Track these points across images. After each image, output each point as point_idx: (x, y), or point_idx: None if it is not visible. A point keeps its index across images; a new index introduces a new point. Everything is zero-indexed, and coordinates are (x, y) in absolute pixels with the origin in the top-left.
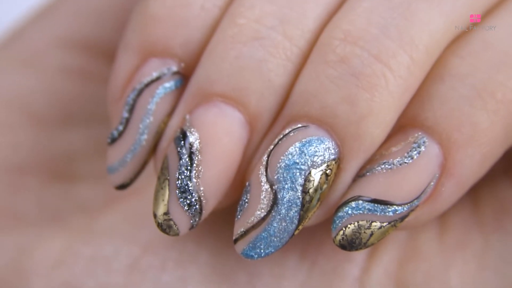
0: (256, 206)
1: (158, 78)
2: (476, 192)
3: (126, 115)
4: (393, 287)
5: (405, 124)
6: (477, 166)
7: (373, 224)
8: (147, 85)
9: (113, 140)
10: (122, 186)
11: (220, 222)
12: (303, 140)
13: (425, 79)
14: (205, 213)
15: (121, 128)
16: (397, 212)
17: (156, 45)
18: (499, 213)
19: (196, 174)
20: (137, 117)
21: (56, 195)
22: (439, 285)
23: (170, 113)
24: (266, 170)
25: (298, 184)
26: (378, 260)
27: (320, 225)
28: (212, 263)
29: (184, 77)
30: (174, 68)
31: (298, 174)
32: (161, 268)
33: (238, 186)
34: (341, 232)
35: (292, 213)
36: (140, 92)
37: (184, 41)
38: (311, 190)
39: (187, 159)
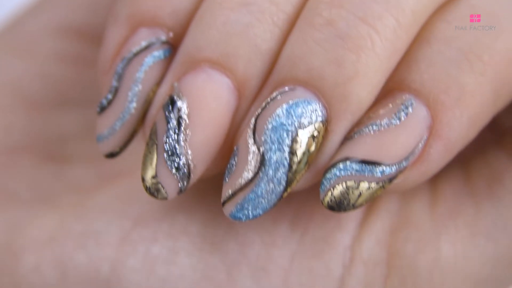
0: (244, 168)
1: (147, 47)
2: (467, 161)
3: (115, 83)
4: (384, 255)
5: (393, 88)
6: (465, 128)
7: (361, 184)
8: (136, 54)
9: (102, 109)
10: (111, 155)
11: (210, 193)
12: (290, 102)
13: (412, 43)
14: (194, 177)
15: (110, 96)
16: (385, 173)
17: (145, 15)
18: (491, 181)
19: (184, 137)
20: (125, 86)
21: (48, 176)
22: (431, 253)
23: (159, 82)
24: (253, 133)
25: (285, 145)
26: (370, 228)
27: (310, 193)
28: (202, 234)
29: (173, 46)
30: (163, 38)
31: (285, 135)
32: (152, 240)
33: (227, 153)
34: (329, 193)
35: (279, 174)
36: (129, 61)
37: (173, 10)
38: (298, 152)
39: (175, 123)
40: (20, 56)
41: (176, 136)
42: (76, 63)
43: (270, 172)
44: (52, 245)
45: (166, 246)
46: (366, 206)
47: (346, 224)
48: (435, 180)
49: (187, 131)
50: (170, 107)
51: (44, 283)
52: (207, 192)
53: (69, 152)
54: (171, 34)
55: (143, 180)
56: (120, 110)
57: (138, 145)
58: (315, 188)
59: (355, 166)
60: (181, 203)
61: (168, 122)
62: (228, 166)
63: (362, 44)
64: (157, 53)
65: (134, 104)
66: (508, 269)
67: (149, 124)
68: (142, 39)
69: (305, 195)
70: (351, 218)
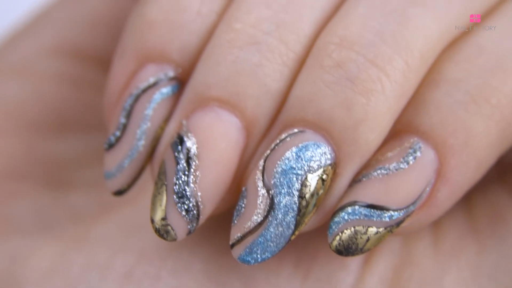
0: (253, 211)
1: (155, 84)
2: (470, 198)
3: (123, 120)
4: None
5: (401, 130)
6: (472, 171)
7: (370, 229)
8: (144, 90)
9: (110, 146)
10: (119, 192)
11: (215, 230)
12: (300, 145)
13: (420, 84)
14: (203, 218)
15: (118, 133)
16: (393, 218)
17: (152, 50)
18: (493, 219)
19: (194, 179)
20: (134, 123)
21: (49, 203)
22: None
23: (167, 119)
24: (262, 175)
25: (294, 189)
26: (373, 267)
27: (314, 233)
28: (207, 272)
29: (181, 82)
30: (171, 74)
31: (294, 179)
32: (156, 278)
33: (235, 191)
34: (338, 238)
35: (288, 218)
36: (137, 97)
37: (181, 46)
38: (307, 195)
39: (184, 164)
40: (19, 78)
41: (186, 177)
42: (75, 85)
43: (280, 216)
44: (54, 277)
45: (170, 284)
46: None
47: (350, 264)
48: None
49: (197, 172)
50: (179, 147)
51: None
52: (211, 229)
53: (69, 178)
54: (179, 70)
55: (152, 221)
56: (128, 147)
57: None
58: (319, 228)
59: (364, 210)
60: (185, 239)
61: (177, 163)
62: (237, 207)
63: (372, 87)
64: (165, 90)
65: (142, 142)
66: None
67: (158, 162)
68: (150, 75)
69: (309, 235)
70: (355, 258)
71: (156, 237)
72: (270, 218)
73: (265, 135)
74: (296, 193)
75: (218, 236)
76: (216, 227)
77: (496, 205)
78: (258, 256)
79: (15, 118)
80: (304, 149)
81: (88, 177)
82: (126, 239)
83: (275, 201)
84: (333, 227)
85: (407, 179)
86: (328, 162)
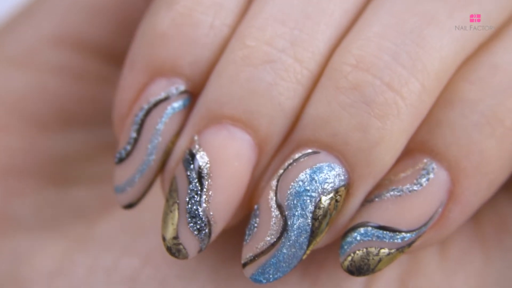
0: (266, 232)
1: (166, 98)
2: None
3: (134, 135)
4: None
5: (414, 149)
6: (484, 191)
7: (382, 250)
8: (155, 104)
9: (121, 160)
10: (129, 206)
11: (223, 238)
12: (314, 166)
13: (434, 103)
14: (214, 236)
15: (129, 148)
16: (405, 239)
17: (164, 64)
18: (500, 229)
19: (206, 198)
20: (145, 138)
21: (52, 200)
22: None
23: (178, 132)
24: (275, 195)
25: (308, 211)
26: (380, 277)
27: None
28: (214, 280)
29: (192, 95)
30: (182, 88)
31: (308, 201)
32: (162, 283)
33: (245, 206)
34: (349, 258)
35: (301, 240)
36: (148, 111)
37: (193, 61)
38: (320, 217)
39: (197, 184)
40: (19, 70)
41: (198, 198)
42: (77, 78)
43: (293, 237)
44: (59, 278)
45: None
46: None
47: None
48: None
49: (210, 192)
50: (191, 165)
51: None
52: (220, 237)
53: (72, 174)
54: (190, 83)
55: (164, 239)
56: (139, 162)
57: None
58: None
59: (376, 232)
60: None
61: (190, 182)
62: (249, 226)
63: (388, 111)
64: (177, 104)
65: (153, 157)
66: None
67: (168, 178)
68: (161, 90)
69: None
70: None
71: (161, 242)
72: (283, 240)
73: (277, 152)
74: (309, 215)
75: (226, 245)
76: (224, 236)
77: (503, 215)
78: (270, 276)
79: (17, 113)
80: (318, 171)
81: (91, 172)
82: (131, 240)
83: (289, 222)
84: (345, 247)
85: (420, 201)
86: (342, 183)
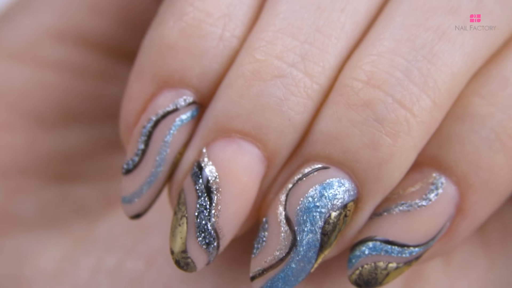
0: (275, 247)
1: (174, 110)
2: None
3: (141, 146)
4: None
5: (423, 163)
6: (491, 205)
7: (390, 265)
8: (164, 116)
9: (128, 171)
10: (136, 216)
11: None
12: (324, 182)
13: (445, 117)
14: (222, 248)
15: (136, 159)
16: (413, 254)
17: (172, 75)
18: (504, 236)
19: (215, 213)
20: (153, 149)
21: (54, 198)
22: None
23: (186, 143)
24: (285, 209)
25: (317, 226)
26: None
27: None
28: (217, 284)
29: (200, 106)
30: (191, 99)
31: (318, 217)
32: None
33: (252, 217)
34: (357, 272)
35: (310, 254)
36: (156, 123)
37: (202, 72)
38: (329, 232)
39: (206, 198)
40: (19, 63)
41: (207, 213)
42: (78, 74)
43: (302, 252)
44: (62, 279)
45: None
46: None
47: None
48: None
49: (219, 207)
50: (200, 180)
51: None
52: None
53: (73, 171)
54: (198, 94)
55: (172, 252)
56: (147, 174)
57: None
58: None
59: (385, 247)
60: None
61: (198, 197)
62: (257, 239)
63: (399, 128)
64: (185, 116)
65: (161, 168)
66: None
67: (176, 190)
68: (169, 101)
69: None
70: None
71: (163, 240)
72: (292, 255)
73: (285, 164)
74: (319, 231)
75: (230, 250)
76: (230, 242)
77: (507, 221)
78: None
79: (18, 110)
80: (328, 187)
81: (93, 169)
82: (135, 242)
83: (298, 238)
84: (353, 260)
85: (428, 216)
86: (351, 198)
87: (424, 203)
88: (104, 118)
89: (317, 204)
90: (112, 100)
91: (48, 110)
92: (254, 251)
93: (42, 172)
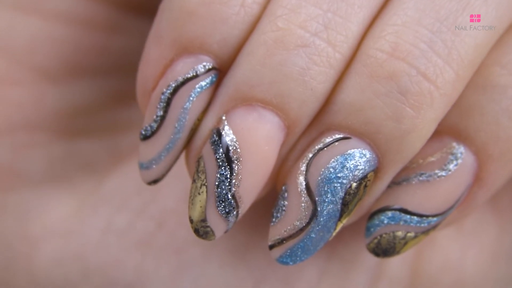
0: (295, 216)
1: (194, 76)
2: None
3: (160, 113)
4: (409, 276)
5: (443, 132)
6: (507, 175)
7: (408, 234)
8: (183, 83)
9: (146, 137)
10: (154, 181)
11: None
12: (345, 153)
13: (466, 86)
14: (240, 216)
15: (154, 126)
16: (431, 223)
17: (192, 42)
18: None
19: (236, 183)
20: (172, 116)
21: (60, 154)
22: (454, 275)
23: (205, 109)
24: (305, 180)
25: (338, 197)
26: None
27: None
28: (232, 247)
29: (219, 71)
30: (210, 65)
31: (339, 188)
32: (180, 250)
33: (269, 183)
34: (376, 240)
35: (330, 224)
36: (176, 89)
37: (222, 39)
38: (349, 202)
39: (227, 168)
40: (25, 15)
41: (228, 182)
42: (85, 26)
43: (322, 222)
44: (71, 239)
45: (195, 256)
46: None
47: None
48: None
49: (239, 176)
50: (221, 149)
51: (66, 279)
52: None
53: (81, 126)
54: (217, 60)
55: (191, 221)
56: (166, 141)
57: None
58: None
59: (403, 216)
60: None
61: (219, 167)
62: (276, 207)
63: (422, 101)
64: (204, 83)
65: (180, 135)
66: None
67: (195, 158)
68: (188, 67)
69: None
70: None
71: (176, 205)
72: (312, 225)
73: (305, 132)
74: (339, 201)
75: (244, 215)
76: None
77: None
78: (298, 258)
79: (25, 65)
80: (349, 158)
81: (101, 124)
82: (144, 202)
83: (318, 208)
84: (371, 229)
85: (447, 186)
86: (372, 168)
87: (443, 173)
88: (112, 71)
89: (339, 175)
90: (119, 53)
91: (56, 64)
92: (273, 219)
93: (49, 127)
